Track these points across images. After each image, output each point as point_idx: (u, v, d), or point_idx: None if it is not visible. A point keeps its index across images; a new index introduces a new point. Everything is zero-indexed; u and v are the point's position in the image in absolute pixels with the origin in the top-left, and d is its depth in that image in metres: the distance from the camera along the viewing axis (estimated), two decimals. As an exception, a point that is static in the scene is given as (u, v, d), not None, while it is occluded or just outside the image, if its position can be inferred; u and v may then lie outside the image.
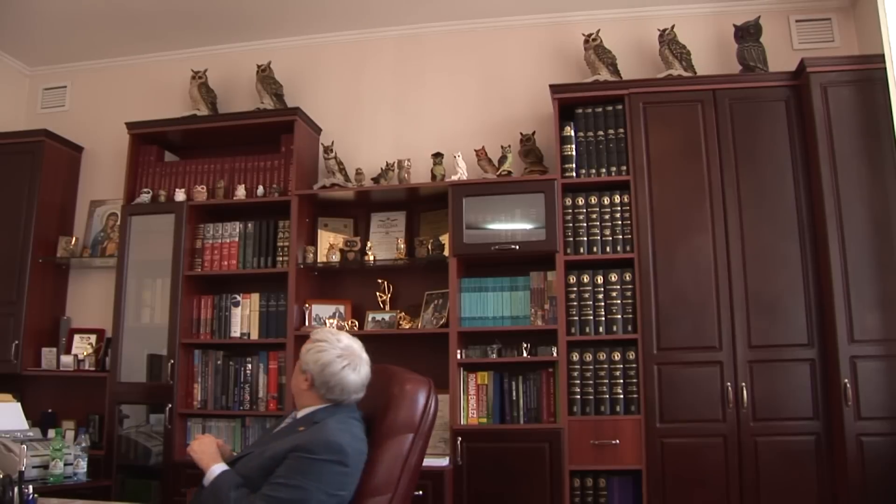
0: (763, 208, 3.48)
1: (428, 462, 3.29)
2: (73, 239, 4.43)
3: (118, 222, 4.31)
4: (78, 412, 4.19)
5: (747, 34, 3.76)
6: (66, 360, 4.17)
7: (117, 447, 3.91)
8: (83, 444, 3.78)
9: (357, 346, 2.26)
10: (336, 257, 3.93)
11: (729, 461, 3.30)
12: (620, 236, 3.61)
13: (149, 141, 4.33)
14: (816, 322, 3.36)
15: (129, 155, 4.26)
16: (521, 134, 3.96)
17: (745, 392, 3.33)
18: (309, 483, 1.95)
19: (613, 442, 3.39)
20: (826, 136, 3.39)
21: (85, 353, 4.23)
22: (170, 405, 3.86)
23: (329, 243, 4.00)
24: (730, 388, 3.35)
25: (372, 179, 4.03)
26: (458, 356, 3.59)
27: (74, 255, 4.39)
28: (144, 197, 4.18)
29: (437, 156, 3.95)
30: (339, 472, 1.99)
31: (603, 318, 3.55)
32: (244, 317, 3.98)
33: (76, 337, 4.34)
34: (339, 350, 2.20)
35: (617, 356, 3.50)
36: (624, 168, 3.66)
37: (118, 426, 3.93)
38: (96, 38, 4.55)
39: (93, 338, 4.32)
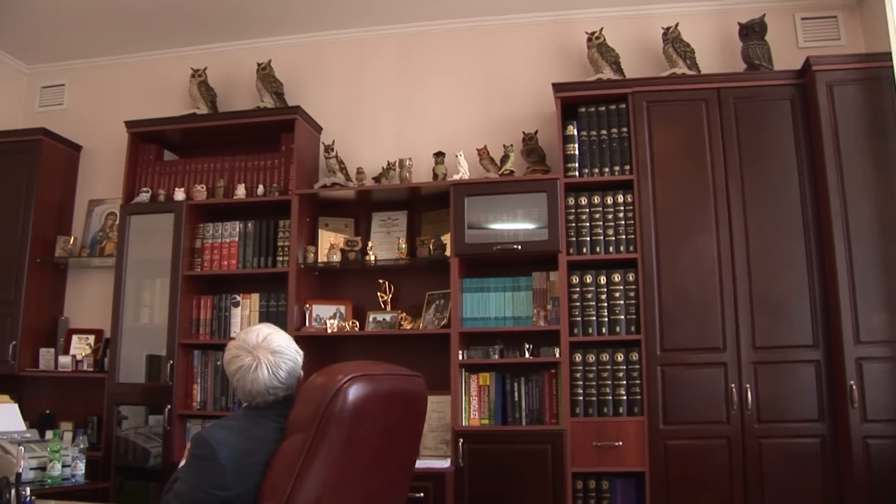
0: (768, 208, 3.47)
1: (429, 464, 3.37)
2: (72, 238, 4.42)
3: (117, 222, 4.30)
4: (76, 413, 4.18)
5: (752, 32, 3.75)
6: (64, 360, 4.16)
7: (116, 449, 3.89)
8: (81, 446, 3.76)
9: (265, 341, 2.02)
10: (337, 257, 3.93)
11: (733, 463, 3.29)
12: (623, 236, 3.60)
13: (148, 140, 4.33)
14: (822, 323, 3.35)
15: (127, 154, 4.25)
16: (524, 133, 3.95)
17: (749, 393, 3.32)
18: (188, 476, 1.89)
19: (616, 444, 3.38)
20: (832, 135, 3.38)
21: (83, 354, 4.21)
22: (169, 406, 3.85)
23: (330, 243, 4.00)
24: (734, 390, 3.33)
25: (373, 179, 4.03)
26: (460, 357, 3.58)
27: (73, 254, 4.38)
28: (143, 196, 4.17)
29: (439, 155, 3.95)
30: (211, 469, 1.82)
31: (606, 319, 3.54)
32: (244, 317, 3.97)
33: (74, 337, 4.33)
34: (234, 350, 2.03)
35: (620, 357, 3.49)
36: (627, 167, 3.65)
37: (116, 427, 3.92)
38: (95, 36, 4.53)
39: (91, 338, 4.31)
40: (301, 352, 2.10)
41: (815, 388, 3.31)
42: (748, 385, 3.33)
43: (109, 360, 4.01)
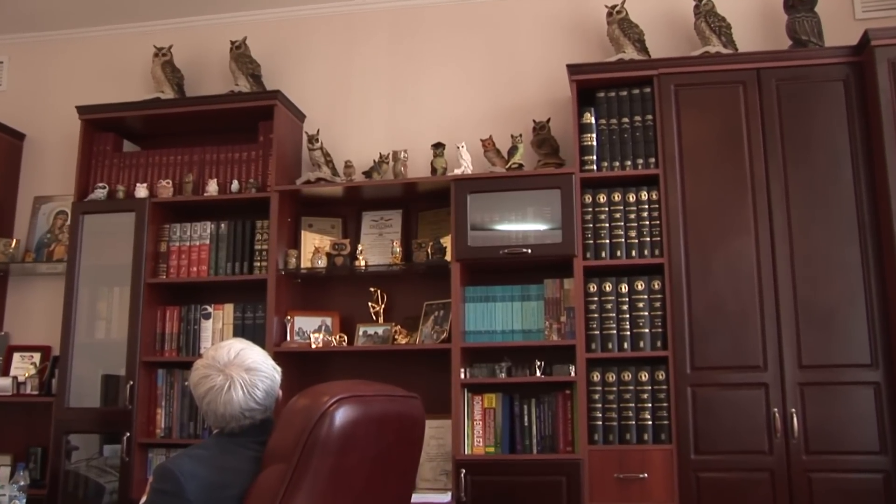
0: (816, 206, 3.43)
1: (427, 498, 3.40)
2: (13, 241, 4.39)
3: (68, 222, 4.29)
4: (16, 444, 4.14)
5: (799, 3, 3.70)
6: (3, 382, 4.10)
7: (63, 485, 3.84)
8: (21, 483, 3.62)
9: (237, 358, 2.01)
10: (322, 262, 3.93)
11: (777, 500, 3.22)
12: (648, 238, 3.59)
13: (104, 128, 4.30)
14: (881, 339, 3.28)
15: (80, 144, 4.22)
16: (534, 121, 3.94)
17: (795, 420, 3.27)
18: None
19: (641, 476, 3.35)
20: (893, 120, 3.32)
21: (26, 375, 4.16)
22: (128, 434, 3.82)
23: (314, 246, 4.00)
24: (777, 415, 3.29)
25: (363, 173, 4.03)
26: (462, 376, 3.57)
27: (15, 259, 4.35)
28: (99, 193, 4.14)
29: (438, 146, 3.93)
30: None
31: (628, 333, 3.53)
32: (216, 331, 3.97)
33: (16, 356, 4.30)
34: (203, 369, 2.01)
35: (644, 376, 3.47)
36: (652, 160, 3.64)
37: (65, 460, 3.88)
38: (40, 6, 4.49)
39: (36, 356, 4.28)
40: (279, 368, 2.10)
41: (874, 414, 3.25)
42: (794, 410, 3.29)
43: (58, 381, 3.96)
